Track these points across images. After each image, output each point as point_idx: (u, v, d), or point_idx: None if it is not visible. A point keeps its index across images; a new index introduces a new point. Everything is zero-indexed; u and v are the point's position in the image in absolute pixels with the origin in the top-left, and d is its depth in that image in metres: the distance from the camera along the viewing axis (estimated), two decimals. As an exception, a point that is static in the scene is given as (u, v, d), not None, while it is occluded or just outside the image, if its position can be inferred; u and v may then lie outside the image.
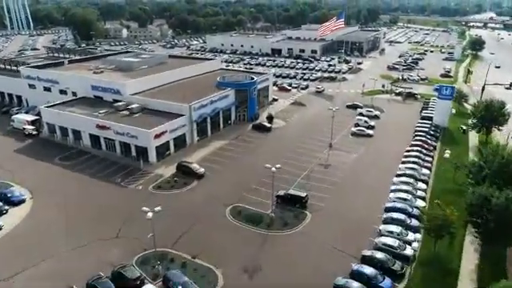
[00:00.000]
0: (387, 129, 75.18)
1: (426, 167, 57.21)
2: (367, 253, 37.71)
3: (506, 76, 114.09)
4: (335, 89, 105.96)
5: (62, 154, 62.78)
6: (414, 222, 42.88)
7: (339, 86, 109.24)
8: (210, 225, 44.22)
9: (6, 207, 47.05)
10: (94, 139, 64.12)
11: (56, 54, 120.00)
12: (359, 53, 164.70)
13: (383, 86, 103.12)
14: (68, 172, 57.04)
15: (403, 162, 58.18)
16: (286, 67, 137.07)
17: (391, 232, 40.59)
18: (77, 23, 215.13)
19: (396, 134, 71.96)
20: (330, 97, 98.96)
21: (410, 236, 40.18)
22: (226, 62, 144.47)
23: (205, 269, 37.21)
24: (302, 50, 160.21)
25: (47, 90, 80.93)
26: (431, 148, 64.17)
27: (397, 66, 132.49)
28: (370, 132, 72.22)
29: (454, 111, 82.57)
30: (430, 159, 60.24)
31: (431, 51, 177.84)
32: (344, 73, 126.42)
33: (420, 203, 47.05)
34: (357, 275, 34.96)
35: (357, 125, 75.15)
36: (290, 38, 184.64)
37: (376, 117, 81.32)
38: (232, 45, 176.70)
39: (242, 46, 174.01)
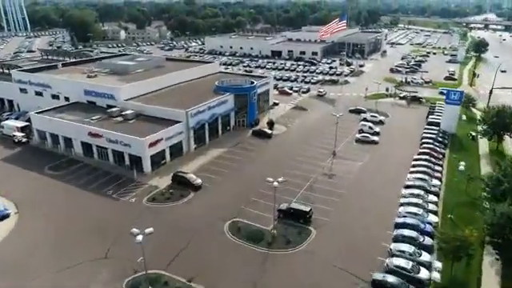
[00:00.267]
0: (393, 135, 72.13)
1: (435, 177, 54.14)
2: (378, 276, 34.56)
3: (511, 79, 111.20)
4: (337, 92, 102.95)
5: (53, 163, 59.58)
6: (427, 240, 39.74)
7: (341, 89, 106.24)
8: (207, 243, 41.07)
9: (-12, 223, 43.88)
10: (86, 147, 60.95)
11: (51, 57, 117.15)
12: (361, 55, 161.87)
13: (387, 90, 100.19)
14: (57, 183, 53.82)
15: (411, 172, 55.12)
16: (287, 70, 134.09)
17: (403, 252, 37.47)
18: (74, 25, 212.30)
19: (402, 141, 68.93)
20: (332, 101, 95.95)
21: (424, 256, 37.09)
22: (225, 64, 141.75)
23: (201, 294, 34.14)
24: (303, 52, 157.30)
25: (39, 94, 77.74)
26: (440, 156, 61.13)
27: (400, 69, 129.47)
28: (375, 138, 69.16)
29: (464, 117, 79.49)
30: (439, 168, 57.18)
31: (433, 53, 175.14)
32: (346, 76, 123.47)
33: (432, 218, 43.89)
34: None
35: (361, 131, 72.13)
36: (290, 40, 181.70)
37: (380, 122, 78.27)
38: (231, 47, 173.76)
39: (241, 47, 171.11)
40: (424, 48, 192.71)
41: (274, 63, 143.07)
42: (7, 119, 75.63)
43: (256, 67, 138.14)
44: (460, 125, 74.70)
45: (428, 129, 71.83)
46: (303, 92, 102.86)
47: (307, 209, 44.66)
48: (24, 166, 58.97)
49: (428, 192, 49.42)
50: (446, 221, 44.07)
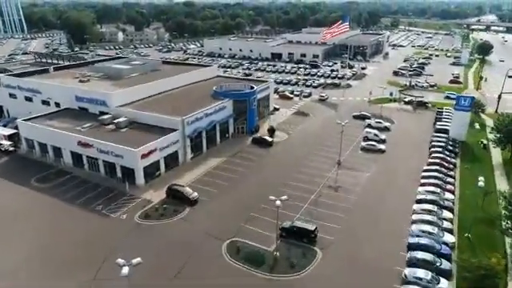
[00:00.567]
0: (399, 143, 68.62)
1: (447, 190, 50.68)
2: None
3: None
4: (340, 96, 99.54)
5: (40, 174, 55.94)
6: (445, 264, 36.23)
7: (344, 93, 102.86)
8: (203, 267, 37.49)
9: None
10: (76, 157, 57.35)
11: (44, 60, 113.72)
12: (362, 57, 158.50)
13: (391, 94, 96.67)
14: (43, 197, 50.13)
15: (422, 184, 51.62)
16: (287, 73, 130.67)
17: (420, 279, 33.93)
18: (71, 26, 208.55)
19: (410, 149, 65.45)
20: (334, 105, 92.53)
21: (443, 284, 33.56)
22: (224, 67, 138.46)
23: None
24: (304, 55, 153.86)
25: (29, 100, 74.24)
26: (451, 166, 57.65)
27: (403, 72, 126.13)
28: (382, 147, 65.67)
29: (477, 126, 76.13)
30: (451, 180, 53.70)
31: (436, 55, 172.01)
32: (348, 79, 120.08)
33: (448, 238, 40.40)
34: None
35: (366, 138, 68.70)
36: (290, 42, 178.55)
37: (386, 129, 74.83)
38: (230, 49, 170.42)
39: (240, 50, 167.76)
40: (426, 50, 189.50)
41: (274, 66, 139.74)
42: (-5, 126, 72.20)
43: (256, 70, 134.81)
44: (469, 132, 71.21)
45: (436, 136, 68.40)
46: (304, 96, 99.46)
47: (312, 227, 41.09)
48: (9, 177, 55.35)
49: (442, 207, 45.94)
50: (463, 240, 40.59)
